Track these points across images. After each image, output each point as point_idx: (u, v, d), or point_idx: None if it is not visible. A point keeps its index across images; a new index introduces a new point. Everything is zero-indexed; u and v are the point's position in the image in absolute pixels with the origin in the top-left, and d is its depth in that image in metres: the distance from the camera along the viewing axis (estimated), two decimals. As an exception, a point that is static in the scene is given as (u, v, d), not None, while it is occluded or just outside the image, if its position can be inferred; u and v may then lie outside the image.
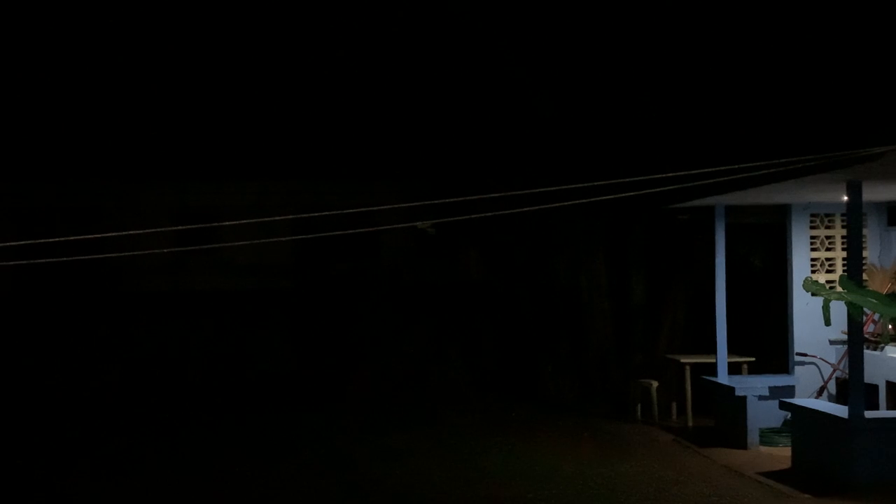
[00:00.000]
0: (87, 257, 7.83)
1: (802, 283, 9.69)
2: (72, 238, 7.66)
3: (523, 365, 15.72)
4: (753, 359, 12.53)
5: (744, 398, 11.09)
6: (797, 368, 11.58)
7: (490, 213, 8.42)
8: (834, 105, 12.07)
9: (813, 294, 9.48)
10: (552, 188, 8.04)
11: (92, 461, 11.10)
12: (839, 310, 9.48)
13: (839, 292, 9.01)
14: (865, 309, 9.03)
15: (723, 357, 11.80)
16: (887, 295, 9.73)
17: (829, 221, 11.73)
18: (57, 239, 7.62)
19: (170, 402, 14.94)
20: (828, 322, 9.20)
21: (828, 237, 11.71)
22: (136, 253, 9.79)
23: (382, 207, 8.20)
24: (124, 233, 7.72)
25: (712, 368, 11.95)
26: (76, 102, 16.41)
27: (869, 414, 9.08)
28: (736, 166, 7.81)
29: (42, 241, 7.50)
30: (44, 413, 14.26)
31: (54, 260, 7.79)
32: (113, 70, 15.97)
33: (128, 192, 17.57)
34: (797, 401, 10.40)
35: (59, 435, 12.80)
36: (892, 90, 11.60)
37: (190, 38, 15.53)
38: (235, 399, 15.18)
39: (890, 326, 10.12)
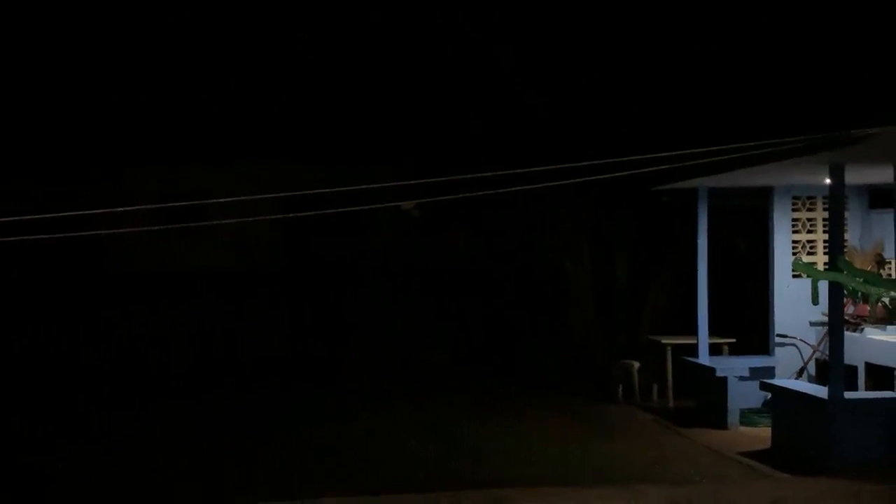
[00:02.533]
0: (73, 234, 7.77)
1: (792, 263, 9.77)
2: (58, 215, 7.59)
3: (508, 346, 15.80)
4: (734, 340, 12.62)
5: (724, 379, 11.19)
6: (777, 350, 11.69)
7: (476, 193, 8.46)
8: (818, 88, 12.15)
9: (796, 275, 9.56)
10: (537, 168, 8.09)
11: (78, 440, 11.10)
12: (821, 291, 9.59)
13: (834, 272, 8.99)
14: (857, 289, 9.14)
15: (704, 338, 11.89)
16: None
17: (811, 204, 11.81)
18: (43, 216, 7.55)
19: (156, 382, 14.92)
20: (815, 301, 9.30)
21: (809, 220, 11.80)
22: (124, 230, 9.74)
23: (370, 186, 8.21)
24: (113, 209, 7.68)
25: (693, 349, 12.05)
26: (57, 90, 16.22)
27: (848, 395, 9.20)
28: (721, 147, 7.87)
29: (29, 217, 7.43)
30: (31, 392, 14.21)
31: (39, 237, 7.72)
32: (100, 58, 15.84)
33: (113, 176, 17.46)
34: (777, 382, 10.52)
35: (47, 414, 12.77)
36: (875, 74, 11.69)
37: (178, 27, 15.42)
38: (223, 379, 15.17)
39: (880, 306, 10.21)
